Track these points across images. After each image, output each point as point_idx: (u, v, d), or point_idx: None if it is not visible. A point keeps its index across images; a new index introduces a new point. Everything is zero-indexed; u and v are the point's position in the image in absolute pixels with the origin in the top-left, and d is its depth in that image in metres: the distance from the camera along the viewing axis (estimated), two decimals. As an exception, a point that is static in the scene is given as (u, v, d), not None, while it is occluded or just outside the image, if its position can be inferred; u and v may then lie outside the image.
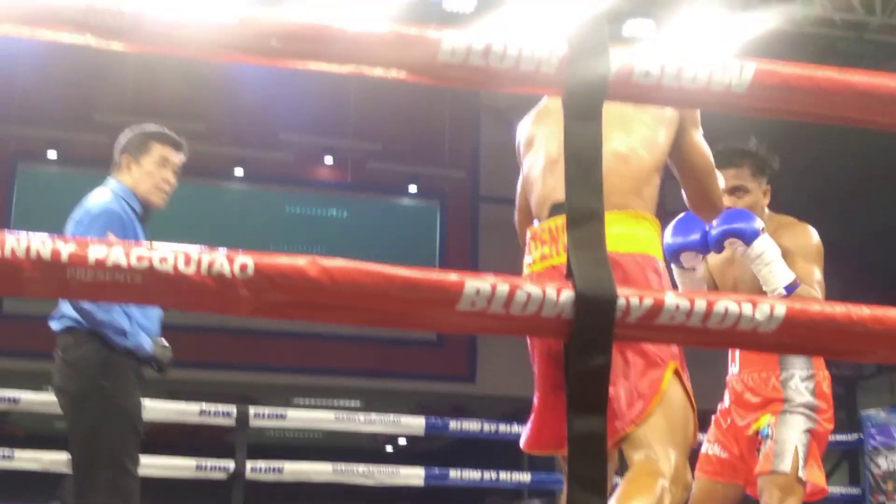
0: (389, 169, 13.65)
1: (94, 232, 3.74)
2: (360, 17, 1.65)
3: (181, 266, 1.48)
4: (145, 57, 11.22)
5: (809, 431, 3.54)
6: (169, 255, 1.48)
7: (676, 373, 2.42)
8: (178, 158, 3.96)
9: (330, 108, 13.13)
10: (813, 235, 3.71)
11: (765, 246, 3.46)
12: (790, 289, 3.44)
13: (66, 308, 3.81)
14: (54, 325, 3.84)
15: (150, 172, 3.90)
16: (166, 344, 4.01)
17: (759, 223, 3.49)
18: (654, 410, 2.36)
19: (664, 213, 3.87)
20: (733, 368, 3.76)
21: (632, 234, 2.52)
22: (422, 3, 8.29)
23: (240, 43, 1.59)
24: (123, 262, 1.46)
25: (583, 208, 1.66)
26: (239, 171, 13.31)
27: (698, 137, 2.71)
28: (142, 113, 12.70)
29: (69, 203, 14.30)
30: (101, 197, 3.92)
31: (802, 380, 3.60)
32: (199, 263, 1.48)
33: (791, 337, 1.63)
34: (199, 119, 12.84)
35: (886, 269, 13.11)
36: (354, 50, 1.62)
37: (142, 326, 3.86)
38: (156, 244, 1.50)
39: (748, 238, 3.44)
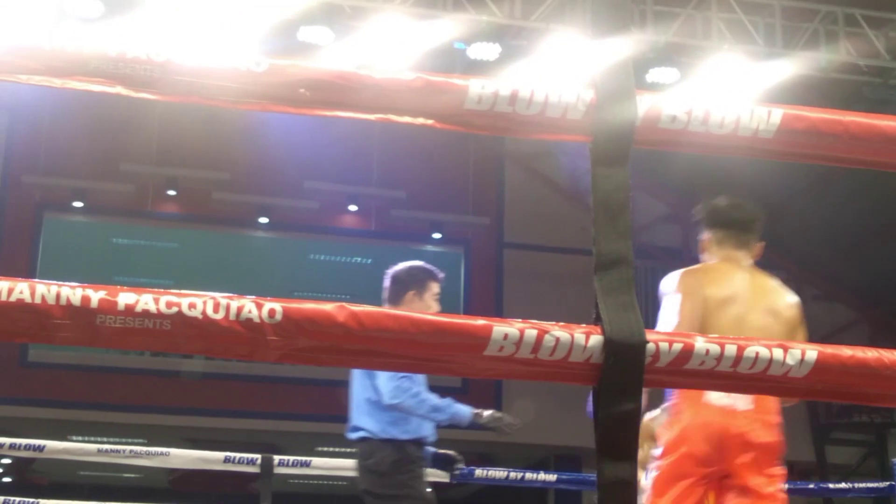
0: (413, 216, 13.68)
1: None
2: (386, 65, 1.66)
3: (210, 312, 1.48)
4: (170, 106, 11.34)
5: None
6: (198, 301, 1.49)
7: None
8: None
9: (354, 157, 13.20)
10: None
11: None
12: None
13: (360, 422, 4.37)
14: (352, 436, 4.40)
15: (429, 306, 4.46)
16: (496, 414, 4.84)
17: None
18: None
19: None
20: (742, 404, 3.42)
21: None
22: (447, 52, 8.34)
23: (269, 92, 1.60)
24: (153, 308, 1.47)
25: (611, 253, 1.65)
26: (264, 220, 13.37)
27: None
28: (167, 163, 12.85)
29: (95, 252, 14.38)
30: None
31: None
32: (227, 309, 1.49)
33: (822, 382, 1.61)
34: (224, 168, 12.94)
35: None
36: (382, 98, 1.63)
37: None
38: (185, 291, 1.51)
39: None
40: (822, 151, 1.69)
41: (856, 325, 13.85)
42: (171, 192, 13.02)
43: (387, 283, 4.53)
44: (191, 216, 13.30)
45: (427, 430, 4.39)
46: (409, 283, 4.48)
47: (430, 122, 1.66)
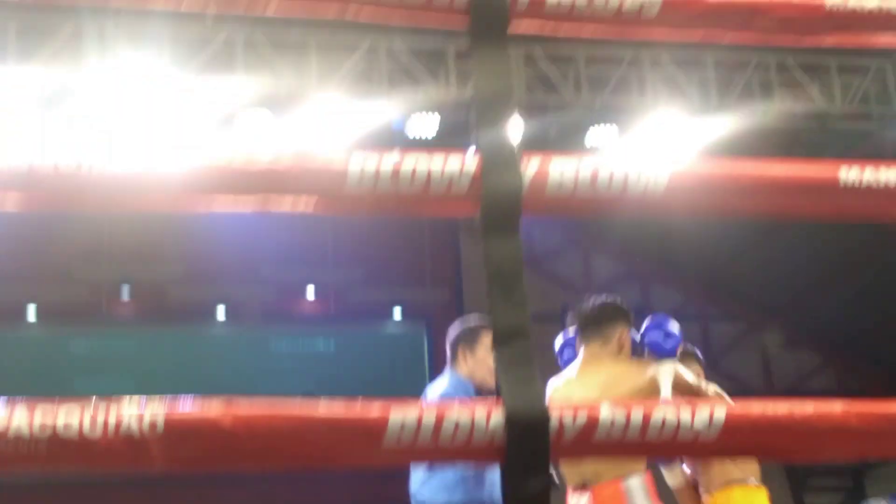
0: (373, 296, 13.63)
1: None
2: (265, 148, 1.62)
3: (86, 430, 1.42)
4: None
5: None
6: (73, 420, 1.42)
7: None
8: None
9: (308, 239, 13.15)
10: None
11: None
12: None
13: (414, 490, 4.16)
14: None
15: (482, 359, 4.27)
16: None
17: None
18: None
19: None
20: None
21: None
22: (385, 132, 8.34)
23: (142, 192, 1.55)
24: (25, 431, 1.40)
25: (508, 325, 1.60)
26: (221, 310, 13.27)
27: None
28: (119, 261, 12.75)
29: (52, 360, 14.07)
30: (444, 387, 4.31)
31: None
32: (105, 426, 1.42)
33: (733, 442, 1.56)
34: (177, 262, 12.85)
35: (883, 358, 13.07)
36: (259, 183, 1.58)
37: None
38: (63, 406, 1.44)
39: None
40: (714, 206, 1.65)
41: (822, 371, 13.87)
42: (126, 293, 12.91)
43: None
44: (147, 315, 13.16)
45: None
46: (461, 341, 4.38)
47: (311, 206, 1.61)
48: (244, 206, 1.60)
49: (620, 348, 3.99)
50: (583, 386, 3.85)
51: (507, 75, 1.69)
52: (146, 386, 12.60)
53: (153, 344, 13.33)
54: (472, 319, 4.47)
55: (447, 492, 4.04)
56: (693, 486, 4.72)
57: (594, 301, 4.11)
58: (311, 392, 12.21)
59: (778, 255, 12.16)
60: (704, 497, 4.65)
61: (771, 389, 13.89)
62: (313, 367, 13.60)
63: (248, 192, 1.60)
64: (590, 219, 12.74)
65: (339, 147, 7.83)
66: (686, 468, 4.73)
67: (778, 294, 13.18)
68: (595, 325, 3.99)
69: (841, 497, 13.63)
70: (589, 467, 3.49)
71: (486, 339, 4.32)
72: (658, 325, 4.17)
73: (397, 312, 13.77)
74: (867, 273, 12.02)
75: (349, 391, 13.05)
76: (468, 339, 4.37)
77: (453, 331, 4.41)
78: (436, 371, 13.63)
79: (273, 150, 1.64)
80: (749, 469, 4.66)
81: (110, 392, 12.95)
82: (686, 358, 4.84)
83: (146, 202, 1.61)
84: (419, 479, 4.11)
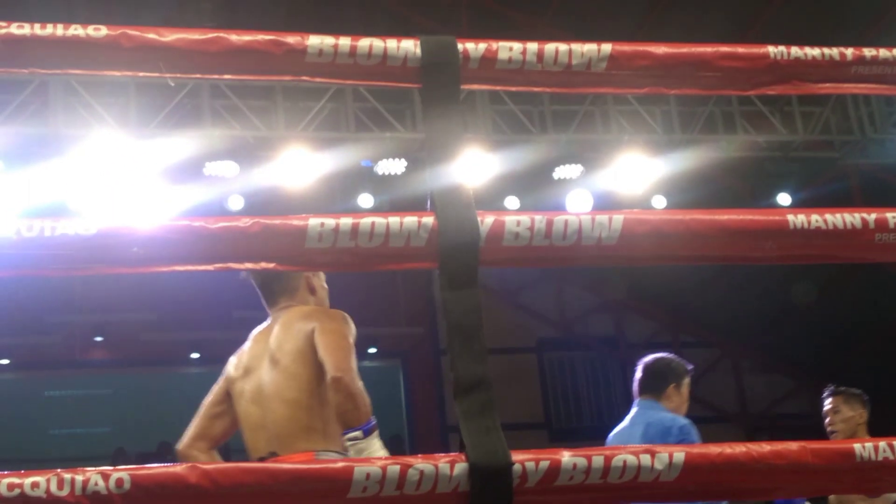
0: (348, 335, 13.59)
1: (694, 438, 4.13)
2: (223, 213, 1.65)
3: (54, 490, 1.44)
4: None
5: None
6: (41, 479, 1.44)
7: None
8: None
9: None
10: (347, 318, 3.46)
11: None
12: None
13: None
14: None
15: (686, 398, 4.39)
16: None
17: None
18: None
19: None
20: None
21: None
22: (355, 171, 8.36)
23: (100, 255, 1.58)
24: (-7, 493, 1.42)
25: (469, 376, 1.64)
26: (195, 355, 13.22)
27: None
28: (91, 311, 12.67)
29: (27, 407, 13.88)
30: (654, 417, 4.27)
31: None
32: (72, 484, 1.44)
33: (694, 483, 1.60)
34: (151, 309, 12.79)
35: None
36: (219, 247, 1.61)
37: None
38: (28, 472, 1.46)
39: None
40: (666, 252, 1.69)
41: (795, 394, 13.97)
42: (99, 339, 12.85)
43: (640, 374, 4.41)
44: (121, 360, 13.11)
45: None
46: (670, 376, 4.38)
47: (271, 265, 1.64)
48: (207, 266, 1.63)
49: (312, 291, 3.63)
50: (253, 350, 3.49)
51: (459, 134, 1.73)
52: (122, 430, 12.54)
53: (128, 388, 13.28)
54: (674, 357, 4.48)
55: None
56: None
57: None
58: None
59: (744, 283, 12.25)
60: None
61: (746, 414, 13.96)
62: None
63: (210, 253, 1.63)
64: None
65: (307, 187, 7.84)
66: None
67: (748, 320, 13.27)
68: (278, 280, 3.56)
69: None
70: (274, 432, 3.23)
71: (687, 380, 4.41)
72: None
73: (373, 349, 13.77)
74: (832, 299, 12.13)
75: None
76: (678, 375, 4.39)
77: (658, 364, 4.41)
78: (412, 405, 13.69)
79: (233, 210, 1.67)
80: None
81: (87, 438, 12.87)
82: (851, 399, 4.79)
83: (107, 268, 1.63)
84: None
